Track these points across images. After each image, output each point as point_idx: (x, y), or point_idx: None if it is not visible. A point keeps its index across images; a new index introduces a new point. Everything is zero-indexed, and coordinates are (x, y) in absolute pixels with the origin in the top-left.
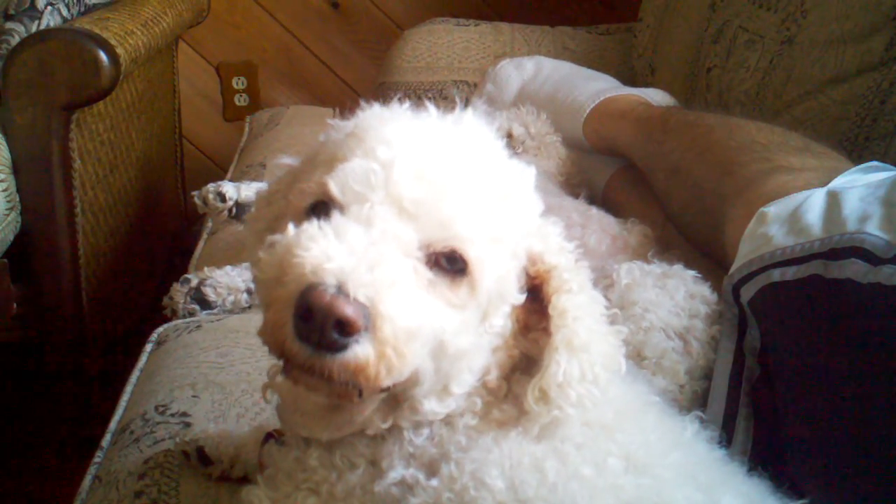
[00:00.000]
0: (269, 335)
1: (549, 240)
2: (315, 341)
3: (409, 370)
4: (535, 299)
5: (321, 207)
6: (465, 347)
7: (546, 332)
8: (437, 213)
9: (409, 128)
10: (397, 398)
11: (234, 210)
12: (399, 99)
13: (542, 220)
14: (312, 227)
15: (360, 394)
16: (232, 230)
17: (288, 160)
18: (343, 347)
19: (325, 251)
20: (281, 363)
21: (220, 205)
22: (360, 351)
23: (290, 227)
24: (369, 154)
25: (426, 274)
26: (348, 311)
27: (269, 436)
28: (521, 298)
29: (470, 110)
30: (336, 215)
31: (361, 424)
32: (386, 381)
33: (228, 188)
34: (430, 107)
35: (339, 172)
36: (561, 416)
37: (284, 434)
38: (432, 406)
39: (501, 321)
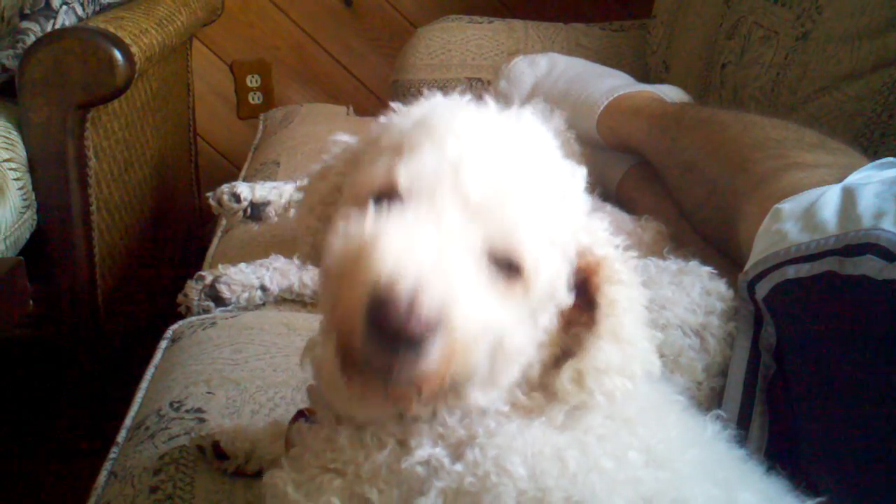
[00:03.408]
0: (338, 324)
1: (596, 234)
2: (385, 347)
3: (471, 371)
4: (579, 293)
5: (385, 195)
6: (520, 345)
7: (587, 325)
8: (500, 217)
9: (476, 122)
10: (444, 389)
11: (248, 210)
12: (460, 91)
13: (589, 217)
14: (384, 223)
15: (420, 394)
16: (246, 228)
17: (345, 138)
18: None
19: (399, 253)
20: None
21: (234, 205)
22: (430, 356)
23: (365, 220)
24: (438, 147)
25: (487, 272)
26: (420, 327)
27: (299, 413)
28: (570, 299)
29: (529, 107)
30: (405, 210)
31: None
32: (448, 382)
33: (243, 189)
34: (490, 101)
35: (408, 165)
36: (589, 401)
37: (316, 413)
38: (477, 397)
39: (549, 318)
